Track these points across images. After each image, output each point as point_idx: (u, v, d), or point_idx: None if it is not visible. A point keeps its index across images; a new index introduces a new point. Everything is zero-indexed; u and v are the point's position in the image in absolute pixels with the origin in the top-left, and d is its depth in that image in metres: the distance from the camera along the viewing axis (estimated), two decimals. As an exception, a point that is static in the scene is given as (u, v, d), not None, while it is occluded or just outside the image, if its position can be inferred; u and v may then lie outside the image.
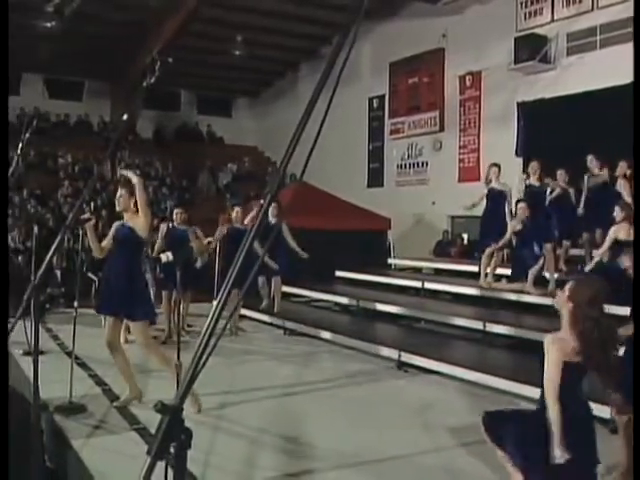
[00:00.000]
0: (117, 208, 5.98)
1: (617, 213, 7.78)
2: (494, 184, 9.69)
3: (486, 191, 9.75)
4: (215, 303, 1.48)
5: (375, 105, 20.04)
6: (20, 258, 14.35)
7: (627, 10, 12.25)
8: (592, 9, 13.62)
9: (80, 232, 8.14)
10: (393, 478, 4.48)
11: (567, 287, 3.54)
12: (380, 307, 9.93)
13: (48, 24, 16.25)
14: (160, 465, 1.41)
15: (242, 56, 19.87)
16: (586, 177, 9.91)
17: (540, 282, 8.98)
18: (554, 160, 10.37)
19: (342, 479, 4.46)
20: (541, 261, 8.94)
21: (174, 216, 9.28)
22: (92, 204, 17.66)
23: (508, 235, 9.13)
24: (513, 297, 9.07)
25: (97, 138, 22.09)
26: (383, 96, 19.65)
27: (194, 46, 19.86)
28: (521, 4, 15.21)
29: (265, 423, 5.48)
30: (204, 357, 1.41)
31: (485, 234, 9.87)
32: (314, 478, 4.44)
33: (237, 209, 10.09)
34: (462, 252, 15.04)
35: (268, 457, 4.74)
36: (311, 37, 20.81)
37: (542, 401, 3.38)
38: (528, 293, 8.78)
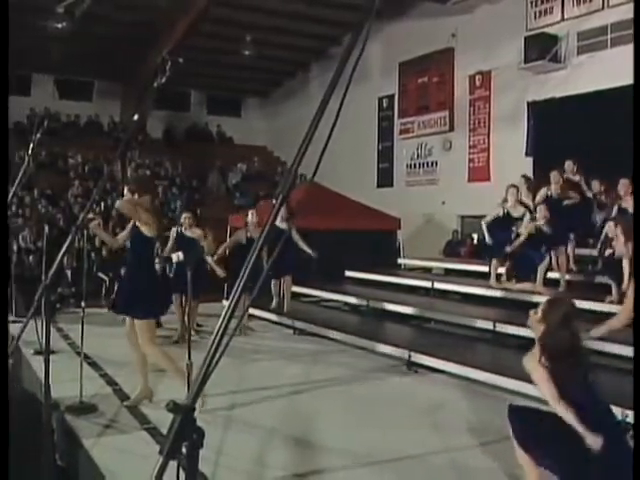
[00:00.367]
0: None
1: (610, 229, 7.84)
2: (510, 206, 9.50)
3: (501, 213, 9.55)
4: (226, 303, 1.48)
5: (385, 105, 20.03)
6: (31, 258, 14.42)
7: (638, 9, 12.20)
8: (603, 8, 13.57)
9: (89, 232, 8.18)
10: (402, 478, 4.47)
11: (540, 308, 3.64)
12: (390, 307, 9.91)
13: (59, 25, 16.31)
14: (172, 465, 1.42)
15: (252, 56, 19.88)
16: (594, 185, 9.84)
17: (549, 282, 8.96)
18: (564, 160, 10.32)
19: (351, 478, 4.46)
20: (547, 259, 8.90)
21: (182, 220, 9.22)
22: (102, 204, 17.73)
23: (522, 238, 9.09)
24: (523, 297, 9.04)
25: (107, 138, 22.19)
26: (393, 96, 19.63)
27: (204, 46, 19.90)
28: (531, 3, 15.16)
29: (275, 422, 5.49)
30: (216, 357, 1.42)
31: (496, 243, 9.74)
32: (324, 477, 4.43)
33: (252, 211, 10.05)
34: (472, 252, 15.00)
35: (278, 456, 4.74)
36: (321, 37, 20.82)
37: None
38: (539, 293, 8.74)
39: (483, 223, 9.85)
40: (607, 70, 12.88)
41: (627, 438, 3.46)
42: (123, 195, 5.99)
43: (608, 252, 8.37)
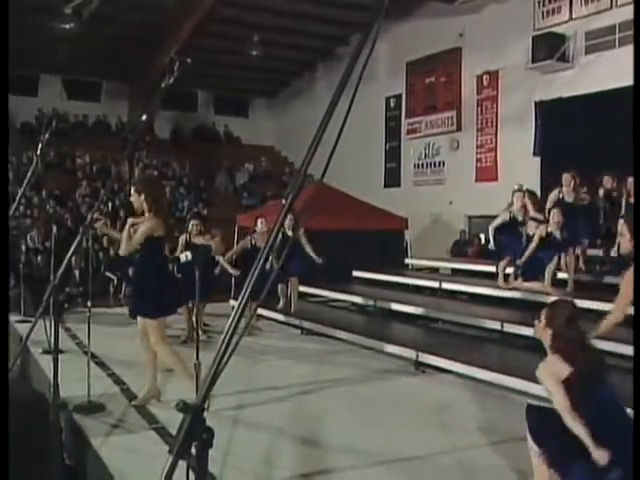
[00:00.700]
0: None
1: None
2: (516, 210, 9.49)
3: (507, 217, 9.53)
4: (233, 303, 1.49)
5: (392, 105, 20.02)
6: (39, 258, 14.47)
7: (647, 8, 12.15)
8: (611, 7, 13.53)
9: (96, 232, 8.20)
10: (410, 478, 4.47)
11: (542, 315, 3.62)
12: (397, 307, 9.90)
13: (66, 26, 16.36)
14: (181, 465, 1.42)
15: (259, 56, 19.91)
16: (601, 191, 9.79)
17: (557, 282, 8.93)
18: (572, 160, 10.30)
19: (359, 478, 4.46)
20: (555, 259, 8.88)
21: (190, 228, 9.17)
22: (110, 204, 17.79)
23: (535, 243, 9.05)
24: (531, 297, 9.02)
25: (115, 138, 22.27)
26: (400, 96, 19.63)
27: (211, 46, 19.94)
28: (539, 2, 15.13)
29: (282, 422, 5.49)
30: (226, 356, 1.42)
31: (504, 246, 9.71)
32: (332, 477, 4.43)
33: (261, 220, 10.03)
34: (479, 252, 14.98)
35: (285, 456, 4.74)
36: (328, 37, 20.83)
37: None
38: (547, 293, 8.72)
39: (490, 228, 9.83)
40: (615, 70, 12.84)
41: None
42: (130, 195, 5.98)
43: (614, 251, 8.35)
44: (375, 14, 1.58)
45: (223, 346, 1.43)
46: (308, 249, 9.91)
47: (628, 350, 5.56)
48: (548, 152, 14.24)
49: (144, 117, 8.21)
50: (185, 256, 6.59)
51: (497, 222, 9.75)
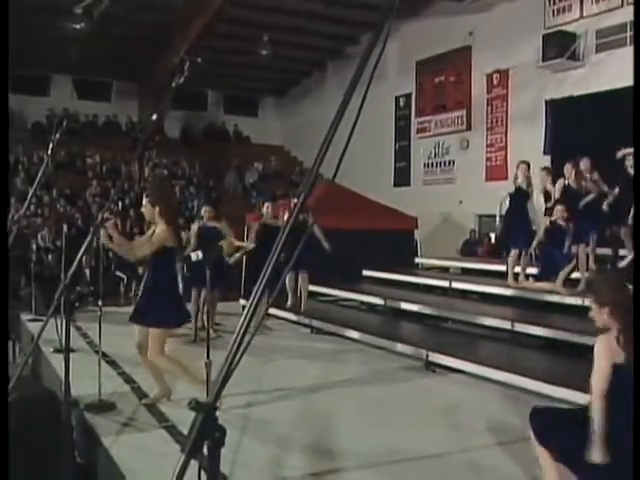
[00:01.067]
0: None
1: None
2: (520, 182, 9.61)
3: (513, 190, 9.67)
4: (243, 302, 1.49)
5: (401, 104, 20.00)
6: (50, 257, 14.53)
7: (658, 6, 12.08)
8: (622, 5, 13.46)
9: (107, 232, 8.22)
10: (420, 477, 4.46)
11: (591, 299, 3.49)
12: (407, 306, 9.88)
13: (77, 26, 16.42)
14: (192, 465, 1.42)
15: (268, 56, 19.92)
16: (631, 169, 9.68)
17: (568, 281, 8.90)
18: (582, 157, 10.24)
19: (368, 478, 4.45)
20: (574, 262, 8.84)
21: (203, 214, 9.39)
22: (120, 203, 17.85)
23: (541, 234, 9.08)
24: (542, 297, 8.99)
25: (125, 138, 22.35)
26: (409, 95, 19.61)
27: (221, 46, 19.97)
28: (549, 1, 15.09)
29: (292, 422, 5.49)
30: (238, 355, 1.42)
31: (510, 233, 9.78)
32: (342, 477, 4.43)
33: (267, 204, 10.19)
34: (489, 251, 14.96)
35: (295, 456, 4.74)
36: (337, 36, 20.84)
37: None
38: (558, 293, 8.70)
39: (500, 205, 9.91)
40: (626, 68, 12.76)
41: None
42: (142, 203, 5.96)
43: None
44: (386, 14, 1.58)
45: (235, 345, 1.43)
46: (319, 235, 9.89)
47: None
48: (558, 151, 14.17)
49: (154, 117, 8.24)
50: (196, 255, 6.60)
51: (504, 197, 9.87)
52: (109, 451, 4.68)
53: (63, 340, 3.52)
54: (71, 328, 3.55)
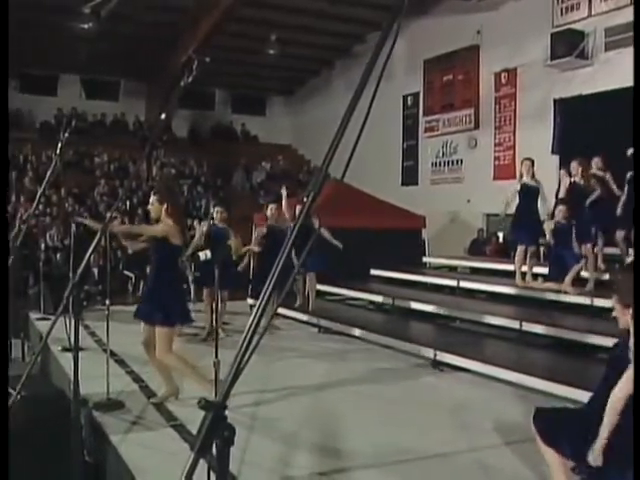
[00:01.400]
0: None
1: None
2: (526, 180, 9.58)
3: (519, 187, 9.64)
4: (250, 301, 1.49)
5: (409, 103, 19.97)
6: (58, 256, 14.58)
7: (667, 4, 12.00)
8: (631, 3, 13.37)
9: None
10: (428, 477, 4.46)
11: (615, 299, 3.44)
12: (415, 306, 9.88)
13: (85, 25, 16.46)
14: (201, 464, 1.42)
15: (276, 55, 19.92)
16: (628, 174, 9.65)
17: (577, 281, 8.87)
18: (591, 157, 10.21)
19: (376, 477, 4.46)
20: (582, 261, 8.81)
21: (214, 214, 9.39)
22: (128, 203, 17.90)
23: (547, 236, 9.06)
24: (550, 296, 8.97)
25: (133, 137, 22.41)
26: (417, 94, 19.57)
27: (229, 45, 19.99)
28: (557, -1, 15.02)
29: (299, 421, 5.50)
30: (247, 355, 1.42)
31: (518, 232, 9.77)
32: (349, 477, 4.43)
33: (271, 206, 10.16)
34: (497, 251, 14.93)
35: (302, 455, 4.74)
36: (345, 35, 20.82)
37: (599, 402, 3.33)
38: (566, 292, 8.67)
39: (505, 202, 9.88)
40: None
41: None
42: (149, 202, 5.99)
43: None
44: (395, 14, 1.58)
45: (244, 344, 1.44)
46: (328, 236, 9.89)
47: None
48: (567, 150, 14.10)
49: (163, 116, 8.27)
50: (204, 254, 6.62)
51: (510, 194, 9.85)
52: (118, 449, 4.69)
53: (72, 339, 3.54)
54: (79, 327, 3.56)
